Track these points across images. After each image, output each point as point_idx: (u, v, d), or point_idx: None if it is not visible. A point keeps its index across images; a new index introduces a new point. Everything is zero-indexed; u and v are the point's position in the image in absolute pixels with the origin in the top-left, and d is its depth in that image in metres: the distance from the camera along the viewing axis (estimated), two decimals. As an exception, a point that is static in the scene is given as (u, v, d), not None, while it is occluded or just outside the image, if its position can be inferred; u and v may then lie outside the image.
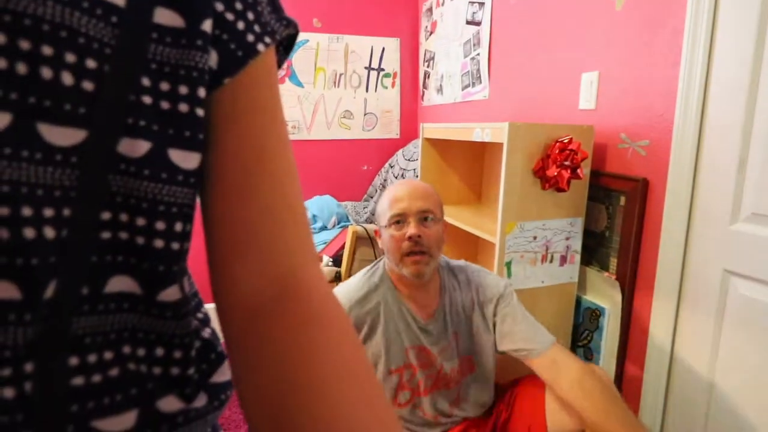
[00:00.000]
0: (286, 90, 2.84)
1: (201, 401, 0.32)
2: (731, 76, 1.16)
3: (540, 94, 1.87)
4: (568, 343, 1.62)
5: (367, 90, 3.01)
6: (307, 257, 0.34)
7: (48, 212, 0.24)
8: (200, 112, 0.29)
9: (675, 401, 1.39)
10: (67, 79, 0.24)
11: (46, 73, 0.23)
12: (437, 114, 2.85)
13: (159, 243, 0.28)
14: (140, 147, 0.26)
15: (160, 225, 0.28)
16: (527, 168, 1.41)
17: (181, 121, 0.28)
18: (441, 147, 2.02)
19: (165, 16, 0.27)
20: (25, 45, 0.23)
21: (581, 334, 1.62)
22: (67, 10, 0.23)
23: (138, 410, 0.28)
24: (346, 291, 1.12)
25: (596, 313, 1.55)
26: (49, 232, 0.24)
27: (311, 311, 0.31)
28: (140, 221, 0.27)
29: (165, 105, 0.27)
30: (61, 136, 0.24)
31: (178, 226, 0.29)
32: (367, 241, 2.28)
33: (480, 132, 1.51)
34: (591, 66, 1.58)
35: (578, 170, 1.40)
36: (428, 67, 2.90)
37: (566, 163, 1.38)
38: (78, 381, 0.26)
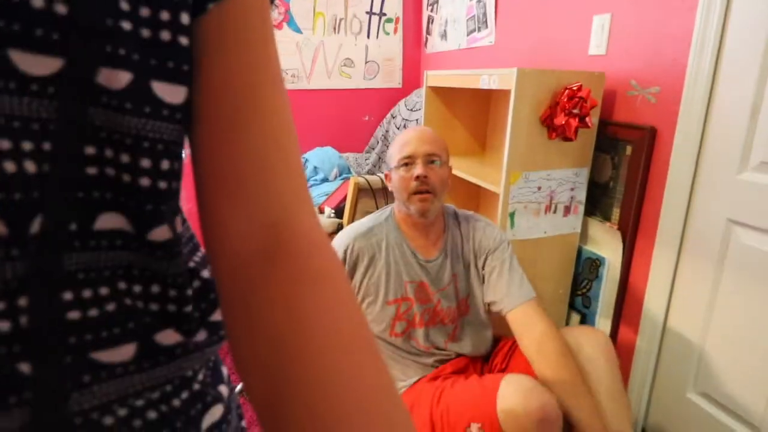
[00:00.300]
0: (284, 36, 2.73)
1: (200, 336, 0.32)
2: (750, 21, 1.11)
3: (549, 39, 1.80)
4: (568, 292, 1.65)
5: (368, 36, 2.90)
6: (302, 206, 0.32)
7: (27, 145, 0.23)
8: (184, 40, 0.27)
9: (669, 349, 1.43)
10: (37, 1, 0.22)
11: None
12: (441, 61, 2.77)
13: (145, 181, 0.27)
14: (121, 78, 0.25)
15: (145, 162, 0.27)
16: (534, 116, 1.38)
17: (164, 51, 0.26)
18: (445, 95, 1.97)
19: None
20: None
21: (581, 283, 1.64)
22: None
23: (137, 343, 0.29)
24: (352, 226, 1.19)
25: (596, 263, 1.57)
26: (30, 167, 0.23)
27: (305, 267, 0.29)
28: (125, 158, 0.26)
29: (145, 33, 0.25)
30: (36, 64, 0.23)
31: (165, 164, 0.28)
32: (369, 192, 2.27)
33: (487, 79, 1.47)
34: (603, 8, 1.51)
35: (586, 119, 1.37)
36: (432, 11, 2.78)
37: (575, 111, 1.35)
38: (74, 315, 0.26)
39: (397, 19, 2.93)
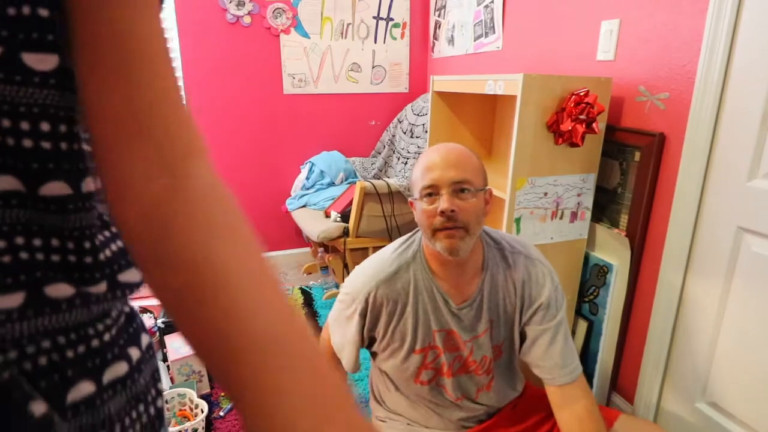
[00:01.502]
0: (292, 41, 2.75)
1: (99, 289, 0.35)
2: (761, 26, 1.10)
3: (556, 45, 1.79)
4: (575, 298, 1.64)
5: (375, 41, 2.91)
6: (193, 147, 0.34)
7: None
8: (43, 12, 0.30)
9: (678, 357, 1.41)
10: None
11: None
12: (448, 66, 2.77)
13: (27, 143, 0.30)
14: None
15: (24, 125, 0.30)
16: (540, 122, 1.37)
17: (27, 24, 0.29)
18: (451, 101, 1.97)
19: None
20: None
21: (588, 289, 1.63)
22: None
23: (25, 293, 0.32)
24: (375, 267, 1.03)
25: (604, 270, 1.56)
26: None
27: (205, 212, 0.33)
28: (6, 123, 0.29)
29: (11, 10, 0.28)
30: None
31: (45, 126, 0.31)
32: (375, 197, 2.27)
33: (493, 84, 1.47)
34: (611, 13, 1.50)
35: (593, 124, 1.36)
36: (439, 16, 2.79)
37: (581, 116, 1.34)
38: None
39: (405, 24, 2.93)
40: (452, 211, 0.90)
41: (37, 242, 0.32)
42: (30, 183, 0.31)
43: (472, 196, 0.93)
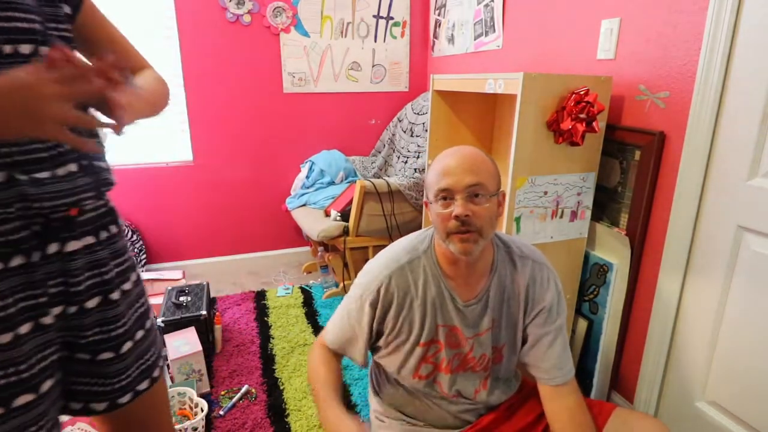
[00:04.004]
0: (292, 40, 2.75)
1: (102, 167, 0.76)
2: (761, 24, 1.10)
3: (556, 44, 1.79)
4: (575, 297, 1.64)
5: (375, 40, 2.90)
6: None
7: None
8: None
9: (678, 356, 1.41)
10: None
11: None
12: (448, 65, 2.76)
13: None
14: None
15: None
16: (541, 121, 1.37)
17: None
18: (451, 99, 1.97)
19: None
20: None
21: (588, 288, 1.63)
22: None
23: (77, 163, 0.68)
24: (387, 259, 1.06)
25: (604, 269, 1.56)
26: None
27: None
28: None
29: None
30: None
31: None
32: (375, 196, 2.27)
33: (493, 83, 1.46)
34: (612, 12, 1.50)
35: (594, 123, 1.36)
36: (439, 15, 2.78)
37: (581, 115, 1.34)
38: None
39: (405, 22, 2.93)
40: (467, 215, 0.92)
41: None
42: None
43: (486, 200, 0.94)
